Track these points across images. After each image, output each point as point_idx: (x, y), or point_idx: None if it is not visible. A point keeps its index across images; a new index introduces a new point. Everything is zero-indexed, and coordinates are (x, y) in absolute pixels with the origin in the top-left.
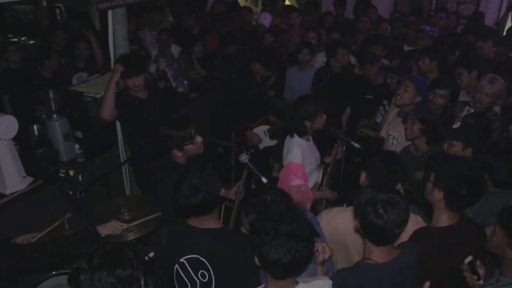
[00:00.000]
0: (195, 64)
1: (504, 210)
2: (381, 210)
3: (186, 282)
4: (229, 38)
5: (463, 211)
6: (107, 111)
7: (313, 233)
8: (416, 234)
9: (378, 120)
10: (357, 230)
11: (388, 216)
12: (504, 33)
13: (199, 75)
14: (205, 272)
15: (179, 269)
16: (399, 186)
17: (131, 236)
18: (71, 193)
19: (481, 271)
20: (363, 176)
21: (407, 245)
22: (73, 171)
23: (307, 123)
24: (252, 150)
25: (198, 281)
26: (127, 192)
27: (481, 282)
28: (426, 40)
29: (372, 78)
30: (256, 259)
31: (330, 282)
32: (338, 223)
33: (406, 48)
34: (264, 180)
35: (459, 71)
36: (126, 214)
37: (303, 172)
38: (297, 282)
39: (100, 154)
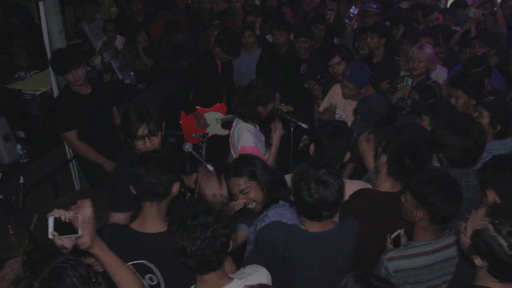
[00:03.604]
0: (141, 55)
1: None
2: (313, 189)
3: None
4: (174, 25)
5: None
6: None
7: (230, 227)
8: (355, 193)
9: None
10: (291, 204)
11: (319, 196)
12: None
13: (146, 65)
14: (153, 276)
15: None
16: (348, 155)
17: None
18: (1, 197)
19: (403, 241)
20: (312, 148)
21: (346, 222)
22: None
23: (260, 108)
24: (201, 134)
25: (146, 285)
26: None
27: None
28: (373, 18)
29: (301, 53)
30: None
31: (266, 271)
32: None
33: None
34: (210, 168)
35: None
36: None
37: (259, 153)
38: (231, 279)
39: (45, 153)
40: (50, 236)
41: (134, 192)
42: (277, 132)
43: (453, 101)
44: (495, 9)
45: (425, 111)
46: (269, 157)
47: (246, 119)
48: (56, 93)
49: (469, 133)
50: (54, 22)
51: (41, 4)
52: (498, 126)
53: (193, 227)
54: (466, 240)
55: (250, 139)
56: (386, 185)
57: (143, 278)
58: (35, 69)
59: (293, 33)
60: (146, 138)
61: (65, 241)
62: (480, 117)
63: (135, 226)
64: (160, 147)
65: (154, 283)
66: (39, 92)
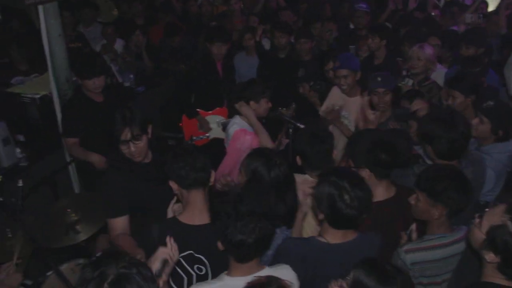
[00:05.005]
0: (144, 56)
1: (418, 177)
2: (349, 201)
3: (182, 276)
4: (173, 28)
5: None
6: None
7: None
8: None
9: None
10: (320, 221)
11: (358, 204)
12: None
13: (144, 68)
14: (202, 267)
15: (175, 265)
16: (335, 154)
17: (81, 237)
18: (1, 199)
19: (413, 236)
20: (298, 160)
21: (369, 234)
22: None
23: (252, 104)
24: (203, 136)
25: (194, 274)
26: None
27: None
28: (364, 18)
29: (303, 54)
30: (219, 244)
31: (290, 269)
32: None
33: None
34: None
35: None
36: (73, 215)
37: (250, 132)
38: (263, 267)
39: (45, 157)
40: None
41: (176, 187)
42: (244, 109)
43: (450, 101)
44: (490, 9)
45: (411, 117)
46: (260, 138)
47: (238, 113)
48: (55, 97)
49: (455, 124)
50: (53, 25)
51: (40, 7)
52: (500, 132)
53: (248, 219)
54: (480, 235)
55: (238, 125)
56: (380, 192)
57: (192, 268)
58: (35, 72)
59: (293, 35)
60: (131, 142)
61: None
62: (482, 123)
63: (183, 219)
64: (146, 151)
65: (202, 273)
66: (38, 96)
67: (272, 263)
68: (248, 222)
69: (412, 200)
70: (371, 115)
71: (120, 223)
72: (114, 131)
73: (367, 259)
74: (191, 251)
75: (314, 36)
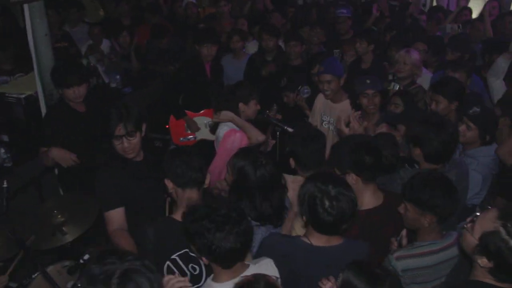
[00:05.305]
0: (132, 57)
1: (403, 187)
2: (329, 207)
3: None
4: (161, 29)
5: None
6: None
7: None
8: None
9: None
10: (305, 224)
11: (337, 212)
12: None
13: (130, 68)
14: (196, 266)
15: (171, 265)
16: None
17: (68, 239)
18: None
19: (403, 242)
20: (292, 162)
21: (356, 242)
22: None
23: (241, 106)
24: (190, 137)
25: (188, 273)
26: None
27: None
28: (346, 23)
29: (292, 58)
30: (204, 260)
31: (272, 262)
32: None
33: None
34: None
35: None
36: (59, 216)
37: (239, 131)
38: (247, 265)
39: (30, 158)
40: None
41: (171, 185)
42: (223, 115)
43: (433, 106)
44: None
45: (401, 120)
46: (248, 134)
47: None
48: (41, 96)
49: (445, 127)
50: (39, 24)
51: (26, 6)
52: (487, 137)
53: (229, 227)
54: (472, 240)
55: (228, 126)
56: (368, 198)
57: (186, 267)
58: (20, 72)
59: (281, 38)
60: (124, 138)
61: None
62: (469, 130)
63: (178, 217)
64: (139, 148)
65: (196, 272)
66: (23, 96)
67: (255, 257)
68: (230, 229)
69: (401, 210)
70: (357, 124)
71: (116, 216)
72: (107, 127)
73: (356, 262)
74: (187, 250)
75: (304, 39)
